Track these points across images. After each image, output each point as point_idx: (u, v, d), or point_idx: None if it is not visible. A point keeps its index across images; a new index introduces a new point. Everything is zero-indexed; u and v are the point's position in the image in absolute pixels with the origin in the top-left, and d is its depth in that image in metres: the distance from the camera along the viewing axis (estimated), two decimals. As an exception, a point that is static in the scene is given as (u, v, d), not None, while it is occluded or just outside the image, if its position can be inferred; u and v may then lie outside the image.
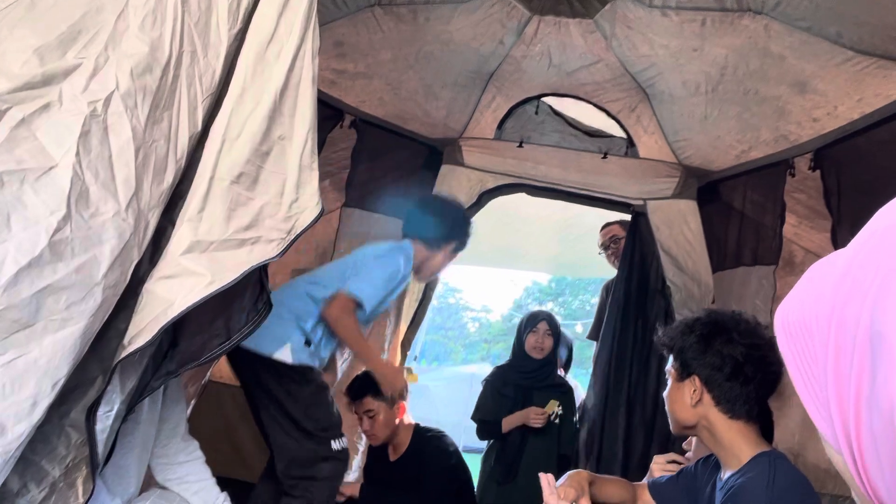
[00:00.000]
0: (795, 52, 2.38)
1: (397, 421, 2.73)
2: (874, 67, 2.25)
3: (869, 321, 0.38)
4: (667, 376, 1.69)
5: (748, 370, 1.54)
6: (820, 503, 1.47)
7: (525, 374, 3.30)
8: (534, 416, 3.13)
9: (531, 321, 3.38)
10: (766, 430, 2.06)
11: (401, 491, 2.69)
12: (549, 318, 3.39)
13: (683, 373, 1.62)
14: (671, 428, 1.70)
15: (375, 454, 2.81)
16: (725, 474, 1.56)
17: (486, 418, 3.27)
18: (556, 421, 3.23)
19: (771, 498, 1.38)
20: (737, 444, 1.54)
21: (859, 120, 2.47)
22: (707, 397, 1.57)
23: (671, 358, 1.67)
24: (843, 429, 0.41)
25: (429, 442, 2.80)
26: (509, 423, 3.19)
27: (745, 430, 1.55)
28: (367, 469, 2.91)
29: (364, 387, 2.65)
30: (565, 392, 3.36)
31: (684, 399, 1.61)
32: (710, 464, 1.69)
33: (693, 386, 1.59)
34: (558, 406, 3.19)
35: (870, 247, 0.42)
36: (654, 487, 1.80)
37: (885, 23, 2.06)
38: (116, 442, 1.06)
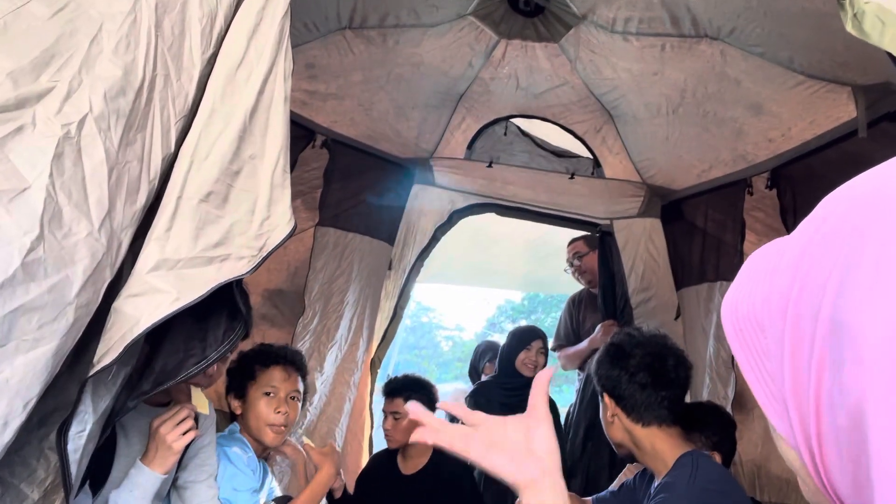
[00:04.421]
0: (751, 77, 2.49)
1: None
2: (824, 91, 2.36)
3: (830, 311, 0.36)
4: None
5: (641, 377, 1.61)
6: (744, 496, 1.53)
7: (510, 392, 3.16)
8: None
9: (525, 339, 3.26)
10: (730, 441, 2.12)
11: None
12: (543, 337, 3.33)
13: (602, 394, 1.71)
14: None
15: (384, 467, 2.71)
16: (656, 482, 1.60)
17: None
18: None
19: (691, 491, 1.43)
20: (659, 450, 1.59)
21: (812, 141, 2.59)
22: (619, 411, 1.65)
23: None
24: (801, 424, 0.39)
25: (450, 460, 2.75)
26: None
27: (662, 435, 1.60)
28: (372, 480, 2.75)
29: (401, 388, 2.65)
30: (551, 409, 3.36)
31: (606, 418, 1.69)
32: (647, 475, 1.74)
33: (605, 403, 1.69)
34: None
35: (822, 236, 0.39)
36: (598, 502, 1.86)
37: (832, 49, 2.17)
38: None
